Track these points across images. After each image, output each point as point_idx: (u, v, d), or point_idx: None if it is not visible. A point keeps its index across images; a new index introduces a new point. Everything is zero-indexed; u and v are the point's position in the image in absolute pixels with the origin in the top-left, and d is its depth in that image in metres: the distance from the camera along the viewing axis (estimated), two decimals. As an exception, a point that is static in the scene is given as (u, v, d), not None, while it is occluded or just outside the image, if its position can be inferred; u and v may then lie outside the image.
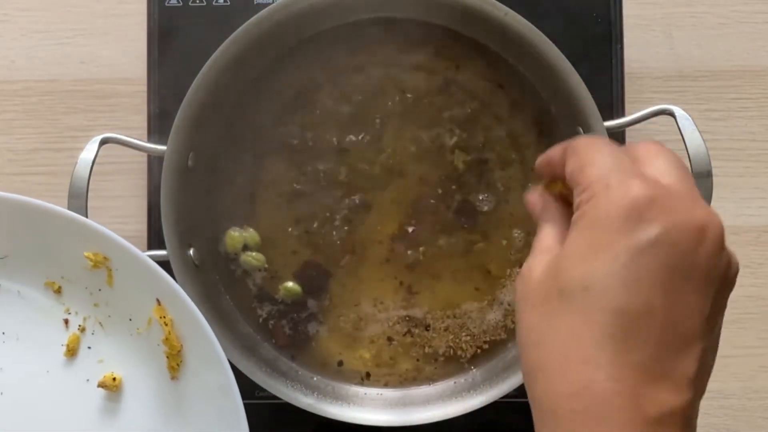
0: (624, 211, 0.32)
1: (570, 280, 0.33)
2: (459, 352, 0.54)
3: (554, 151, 0.39)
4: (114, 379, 0.49)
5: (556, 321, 0.33)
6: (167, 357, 0.48)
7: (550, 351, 0.33)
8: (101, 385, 0.49)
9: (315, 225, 0.54)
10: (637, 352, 0.31)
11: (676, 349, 0.32)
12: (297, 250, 0.54)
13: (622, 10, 0.56)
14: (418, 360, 0.54)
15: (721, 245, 0.33)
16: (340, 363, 0.54)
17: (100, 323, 0.50)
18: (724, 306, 0.34)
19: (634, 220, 0.32)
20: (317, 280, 0.54)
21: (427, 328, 0.54)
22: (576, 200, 0.35)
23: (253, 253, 0.54)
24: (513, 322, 0.54)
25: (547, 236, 0.37)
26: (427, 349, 0.54)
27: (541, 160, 0.40)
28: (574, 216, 0.34)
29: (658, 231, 0.31)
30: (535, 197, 0.40)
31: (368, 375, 0.54)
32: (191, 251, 0.52)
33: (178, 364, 0.48)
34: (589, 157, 0.35)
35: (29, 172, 0.59)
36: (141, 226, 0.57)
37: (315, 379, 0.54)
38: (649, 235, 0.31)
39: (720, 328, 0.34)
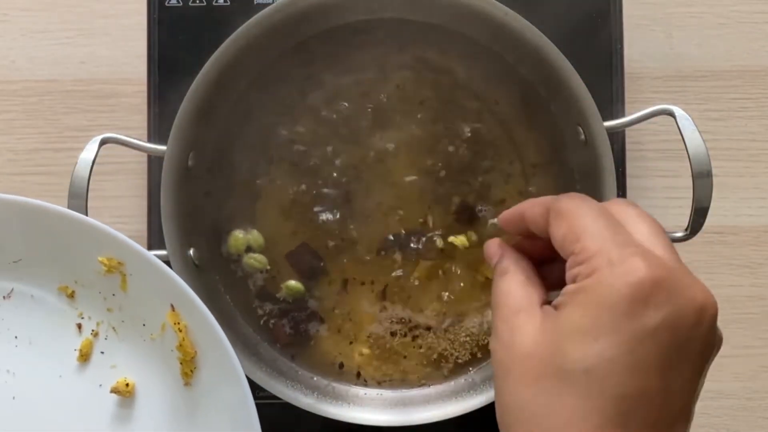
0: (630, 294, 0.32)
1: (572, 361, 0.32)
2: (458, 353, 0.54)
3: (531, 210, 0.38)
4: (127, 384, 0.49)
5: (553, 401, 0.32)
6: (181, 363, 0.48)
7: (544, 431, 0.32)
8: (114, 390, 0.49)
9: (315, 225, 0.54)
10: None
11: (669, 426, 0.32)
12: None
13: (622, 10, 0.56)
14: (417, 360, 0.54)
15: (715, 324, 0.33)
16: (341, 364, 0.54)
17: (113, 328, 0.50)
18: (707, 372, 0.34)
19: (640, 304, 0.31)
20: (311, 263, 0.54)
21: (428, 328, 0.54)
22: (572, 270, 0.34)
23: (256, 255, 0.54)
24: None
25: (515, 292, 0.37)
26: (426, 350, 0.54)
27: (509, 215, 0.40)
28: (572, 287, 0.34)
29: (663, 315, 0.31)
30: (495, 248, 0.40)
31: (368, 375, 0.54)
32: (191, 251, 0.52)
33: (191, 371, 0.48)
34: (581, 224, 0.35)
35: (29, 172, 0.59)
36: (141, 226, 0.57)
37: (315, 379, 0.54)
38: (655, 320, 0.31)
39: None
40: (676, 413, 0.32)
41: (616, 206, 0.36)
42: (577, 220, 0.35)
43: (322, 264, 0.54)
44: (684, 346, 0.32)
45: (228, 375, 0.46)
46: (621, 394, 0.31)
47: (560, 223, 0.36)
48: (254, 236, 0.54)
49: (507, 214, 0.40)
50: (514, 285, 0.37)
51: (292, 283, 0.54)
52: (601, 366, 0.31)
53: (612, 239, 0.33)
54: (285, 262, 0.54)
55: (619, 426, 0.31)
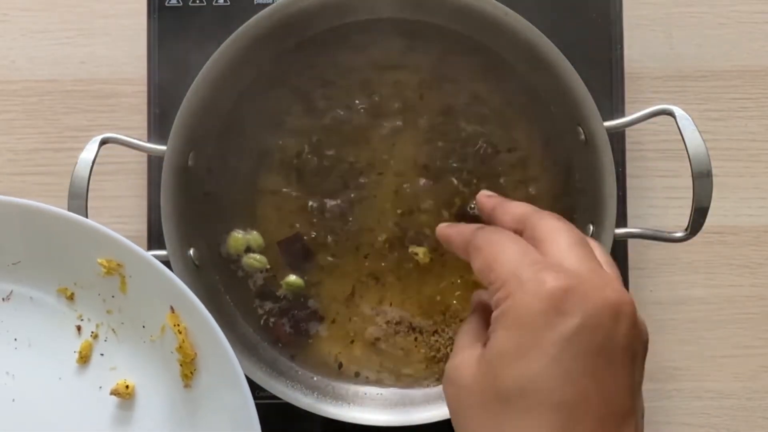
0: (542, 306, 0.33)
1: (505, 383, 0.33)
2: (459, 352, 0.54)
3: (456, 240, 0.42)
4: (127, 386, 0.49)
5: (501, 424, 0.33)
6: (180, 365, 0.48)
7: None
8: (114, 392, 0.49)
9: (315, 224, 0.54)
10: None
11: (617, 424, 0.33)
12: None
13: (622, 10, 0.56)
14: (418, 360, 0.54)
15: (635, 319, 0.34)
16: (340, 364, 0.54)
17: (113, 330, 0.50)
18: (643, 370, 0.36)
19: (554, 313, 0.33)
20: (301, 252, 0.54)
21: (429, 328, 0.54)
22: (493, 298, 0.36)
23: (256, 255, 0.54)
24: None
25: (463, 336, 0.39)
26: (427, 349, 0.54)
27: (442, 234, 0.45)
28: (495, 314, 0.35)
29: (578, 320, 0.33)
30: (474, 298, 0.43)
31: (367, 375, 0.54)
32: (191, 251, 0.52)
33: (191, 372, 0.48)
34: (494, 253, 0.36)
35: (29, 172, 0.59)
36: (141, 226, 0.57)
37: (315, 379, 0.54)
38: (571, 325, 0.33)
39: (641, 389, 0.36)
40: (619, 410, 0.33)
41: (540, 222, 0.38)
42: (490, 251, 0.37)
43: (311, 254, 0.54)
44: (607, 346, 0.33)
45: (228, 377, 0.46)
46: (558, 403, 0.32)
47: (477, 255, 0.38)
48: (254, 237, 0.54)
49: (441, 232, 0.45)
50: (465, 328, 0.40)
51: (292, 278, 0.54)
52: (532, 382, 0.33)
53: (521, 261, 0.35)
54: (284, 260, 0.54)
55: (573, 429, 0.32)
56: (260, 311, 0.54)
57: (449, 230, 0.44)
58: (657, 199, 0.58)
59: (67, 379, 0.50)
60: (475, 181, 0.53)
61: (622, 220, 0.56)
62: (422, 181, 0.54)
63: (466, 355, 0.36)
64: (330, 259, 0.54)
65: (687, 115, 0.49)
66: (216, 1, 0.57)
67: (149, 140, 0.56)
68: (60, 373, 0.50)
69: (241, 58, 0.50)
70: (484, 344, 0.36)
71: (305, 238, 0.54)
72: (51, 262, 0.49)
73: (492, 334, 0.35)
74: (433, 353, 0.54)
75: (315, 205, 0.54)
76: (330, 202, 0.54)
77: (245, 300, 0.54)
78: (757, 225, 0.59)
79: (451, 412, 0.37)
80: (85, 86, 0.59)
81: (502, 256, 0.36)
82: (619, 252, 0.56)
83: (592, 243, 0.39)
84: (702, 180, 0.48)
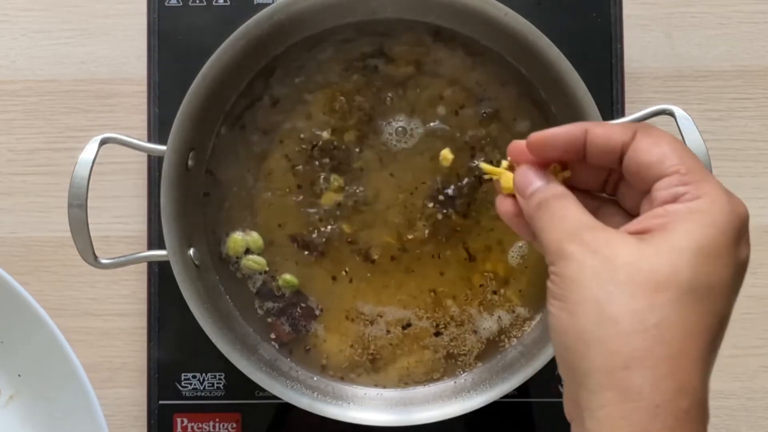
0: (738, 226, 0.34)
1: (696, 278, 0.32)
2: (459, 352, 0.54)
3: (594, 131, 0.37)
4: None
5: (674, 314, 0.32)
6: None
7: (662, 343, 0.32)
8: None
9: (315, 224, 0.54)
10: (714, 358, 0.34)
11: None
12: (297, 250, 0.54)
13: (622, 10, 0.56)
14: (418, 360, 0.54)
15: None
16: (341, 364, 0.54)
17: None
18: None
19: (740, 238, 0.34)
20: (301, 252, 0.54)
21: (429, 328, 0.54)
22: (673, 189, 0.34)
23: (255, 257, 0.54)
24: (512, 323, 0.54)
25: (580, 211, 0.35)
26: (427, 349, 0.54)
27: (544, 135, 0.38)
28: (680, 207, 0.34)
29: (747, 253, 0.35)
30: (531, 175, 0.38)
31: (367, 375, 0.54)
32: (191, 251, 0.52)
33: None
34: (681, 146, 0.36)
35: (29, 172, 0.59)
36: (141, 226, 0.57)
37: (315, 379, 0.54)
38: (746, 254, 0.35)
39: None
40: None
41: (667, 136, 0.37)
42: (676, 142, 0.36)
43: (311, 254, 0.54)
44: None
45: None
46: (724, 317, 0.33)
47: (657, 141, 0.36)
48: (253, 238, 0.54)
49: (540, 134, 0.38)
50: (578, 205, 0.36)
51: (287, 276, 0.54)
52: (720, 285, 0.33)
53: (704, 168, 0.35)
54: (284, 261, 0.54)
55: (716, 344, 0.33)
56: (260, 311, 0.54)
57: (553, 129, 0.38)
58: (657, 199, 0.58)
59: None
60: (475, 180, 0.53)
61: (622, 220, 0.56)
62: (423, 183, 0.54)
63: (611, 234, 0.34)
64: (330, 259, 0.54)
65: (687, 115, 0.49)
66: (216, 1, 0.57)
67: (149, 140, 0.56)
68: None
69: (241, 58, 0.50)
70: (636, 231, 0.34)
71: (305, 238, 0.54)
72: None
73: (677, 225, 0.33)
74: (433, 353, 0.54)
75: (315, 204, 0.54)
76: (330, 203, 0.54)
77: (245, 300, 0.54)
78: (757, 225, 0.58)
79: (580, 282, 0.33)
80: (85, 86, 0.59)
81: (690, 153, 0.35)
82: (619, 252, 0.56)
83: None
84: (702, 180, 0.48)
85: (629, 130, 0.36)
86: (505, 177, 0.40)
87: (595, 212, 0.37)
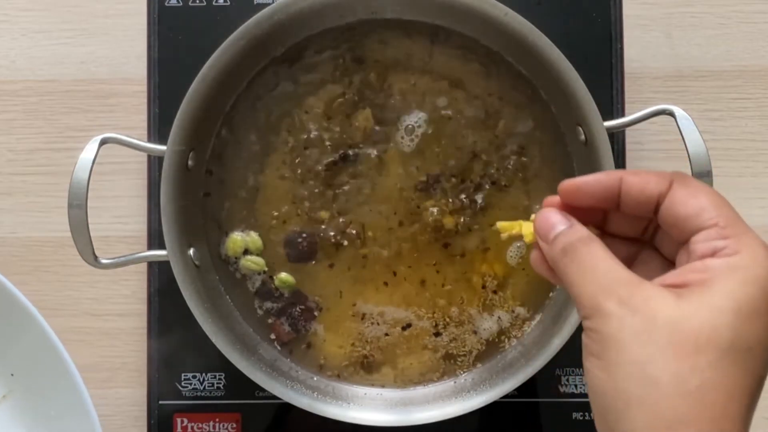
0: None
1: (736, 338, 0.32)
2: (459, 353, 0.54)
3: (629, 179, 0.36)
4: None
5: (715, 376, 0.32)
6: None
7: (704, 406, 0.31)
8: None
9: (314, 225, 0.54)
10: (751, 416, 0.33)
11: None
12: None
13: (622, 10, 0.56)
14: (418, 360, 0.54)
15: None
16: (340, 363, 0.54)
17: None
18: None
19: None
20: (301, 252, 0.54)
21: (428, 328, 0.54)
22: (711, 243, 0.34)
23: (254, 258, 0.54)
24: (512, 323, 0.54)
25: (613, 262, 0.34)
26: (426, 349, 0.54)
27: (577, 182, 0.37)
28: (718, 262, 0.33)
29: None
30: (557, 216, 0.37)
31: (367, 374, 0.54)
32: (191, 251, 0.52)
33: None
34: (720, 198, 0.35)
35: (29, 172, 0.59)
36: (141, 226, 0.57)
37: (315, 379, 0.54)
38: None
39: None
40: None
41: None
42: (713, 193, 0.35)
43: (311, 254, 0.54)
44: None
45: None
46: (762, 375, 0.33)
47: (694, 192, 0.35)
48: (252, 238, 0.54)
49: (571, 181, 0.37)
50: (607, 254, 0.35)
51: (283, 275, 0.54)
52: (759, 345, 0.32)
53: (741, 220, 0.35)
54: (284, 261, 0.54)
55: (754, 404, 0.33)
56: (260, 312, 0.54)
57: (585, 177, 0.37)
58: (657, 199, 0.58)
59: None
60: (473, 180, 0.53)
61: (622, 220, 0.56)
62: (423, 183, 0.54)
63: (650, 290, 0.33)
64: (330, 259, 0.54)
65: (687, 115, 0.49)
66: (216, 1, 0.57)
67: (149, 140, 0.56)
68: None
69: (241, 58, 0.50)
70: (673, 284, 0.34)
71: (305, 237, 0.54)
72: None
73: (716, 282, 0.33)
74: (433, 353, 0.54)
75: (315, 205, 0.54)
76: (330, 204, 0.54)
77: (245, 300, 0.54)
78: (758, 225, 0.58)
79: (622, 342, 0.32)
80: (85, 86, 0.59)
81: (728, 205, 0.35)
82: (619, 252, 0.56)
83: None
84: (702, 180, 0.48)
85: (665, 179, 0.36)
86: (525, 226, 0.39)
87: (633, 258, 0.37)
